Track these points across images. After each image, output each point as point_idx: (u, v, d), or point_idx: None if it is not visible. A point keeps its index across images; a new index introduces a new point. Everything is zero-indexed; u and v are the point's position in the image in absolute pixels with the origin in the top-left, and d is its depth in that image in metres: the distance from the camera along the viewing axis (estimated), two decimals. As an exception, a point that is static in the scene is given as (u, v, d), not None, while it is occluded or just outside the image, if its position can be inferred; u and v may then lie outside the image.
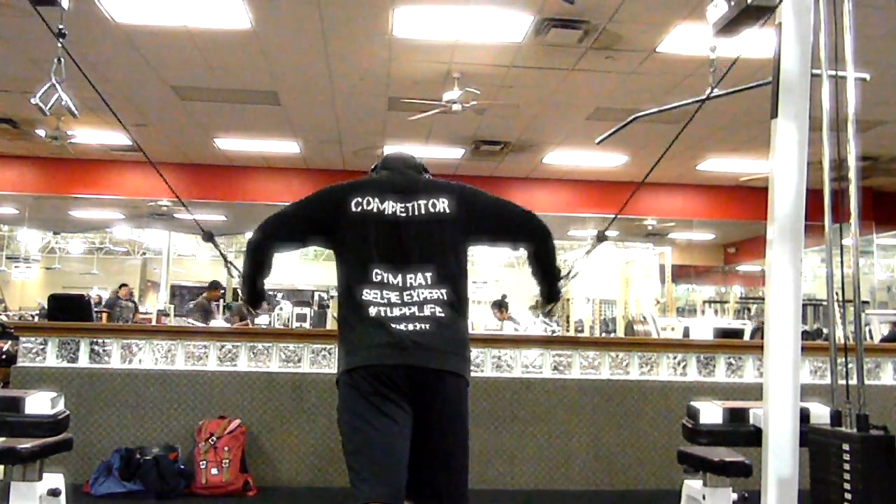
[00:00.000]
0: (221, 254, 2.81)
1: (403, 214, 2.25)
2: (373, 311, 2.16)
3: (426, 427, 2.13)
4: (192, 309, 10.13)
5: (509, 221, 2.43)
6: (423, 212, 2.26)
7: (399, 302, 2.17)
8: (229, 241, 17.83)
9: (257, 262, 2.43)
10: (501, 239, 2.54)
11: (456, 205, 2.28)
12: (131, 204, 12.45)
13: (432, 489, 2.17)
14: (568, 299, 18.09)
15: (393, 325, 2.13)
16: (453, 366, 2.16)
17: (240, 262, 2.56)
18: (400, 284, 2.20)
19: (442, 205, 2.27)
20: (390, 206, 2.25)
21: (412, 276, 2.20)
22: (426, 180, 2.40)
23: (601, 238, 2.65)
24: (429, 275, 2.21)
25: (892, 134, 8.11)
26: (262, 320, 11.65)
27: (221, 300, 10.97)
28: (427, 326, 2.14)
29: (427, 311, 2.17)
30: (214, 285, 10.24)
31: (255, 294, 2.51)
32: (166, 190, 10.97)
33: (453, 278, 2.25)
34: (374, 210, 2.24)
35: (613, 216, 3.06)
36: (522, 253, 2.56)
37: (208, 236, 2.70)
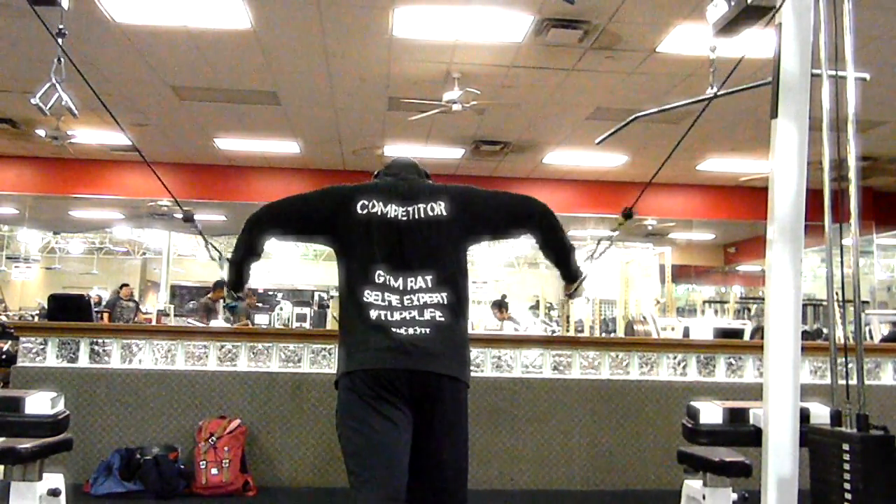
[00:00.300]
0: (202, 235, 2.77)
1: (405, 218, 2.27)
2: (374, 313, 2.17)
3: (426, 431, 2.14)
4: (197, 308, 10.18)
5: (507, 211, 2.43)
6: (422, 215, 2.27)
7: (400, 305, 2.18)
8: (229, 242, 17.80)
9: (251, 244, 2.41)
10: (503, 230, 2.51)
11: (452, 206, 2.30)
12: (131, 204, 12.44)
13: (432, 493, 2.18)
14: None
15: (393, 330, 2.15)
16: (453, 370, 2.17)
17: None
18: (401, 287, 2.21)
19: (439, 208, 2.29)
20: (393, 210, 2.27)
21: (413, 279, 2.22)
22: (426, 185, 2.41)
23: (627, 216, 2.51)
24: (429, 278, 2.22)
25: (892, 134, 8.10)
26: (261, 320, 11.65)
27: (222, 300, 10.99)
28: (427, 331, 2.15)
29: (427, 315, 2.18)
30: (220, 285, 10.26)
31: (240, 277, 2.49)
32: (167, 190, 11.01)
33: (453, 281, 2.26)
34: (379, 213, 2.26)
35: (613, 232, 2.92)
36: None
37: (189, 216, 2.67)
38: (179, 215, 2.77)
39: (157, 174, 2.75)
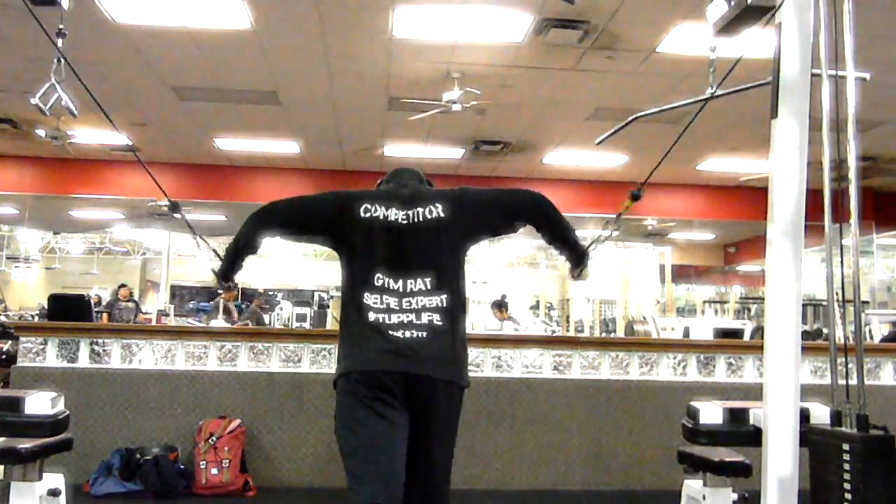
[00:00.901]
0: (190, 226, 2.78)
1: (405, 221, 2.31)
2: (372, 316, 2.21)
3: (421, 432, 2.17)
4: (211, 310, 10.36)
5: (501, 206, 2.46)
6: (421, 219, 2.31)
7: (398, 308, 2.22)
8: (228, 242, 17.81)
9: (252, 238, 2.43)
10: (501, 226, 2.50)
11: (450, 209, 2.33)
12: (131, 204, 12.45)
13: (420, 491, 2.20)
14: (568, 299, 18.14)
15: (391, 332, 2.18)
16: (448, 374, 2.20)
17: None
18: (400, 290, 2.24)
19: (437, 210, 2.32)
20: (394, 214, 2.31)
21: (412, 281, 2.25)
22: (426, 189, 2.46)
23: (636, 197, 2.46)
24: (428, 280, 2.26)
25: (892, 134, 8.10)
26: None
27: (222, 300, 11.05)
28: (424, 335, 2.19)
29: (425, 318, 2.21)
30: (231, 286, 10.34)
31: (232, 266, 2.52)
32: (167, 190, 11.03)
33: (453, 283, 2.29)
34: (381, 217, 2.30)
35: (619, 215, 2.92)
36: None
37: (174, 207, 2.68)
38: (179, 215, 2.78)
39: (150, 171, 2.75)
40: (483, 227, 2.44)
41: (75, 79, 2.39)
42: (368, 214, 2.31)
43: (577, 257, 2.53)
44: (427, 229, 2.30)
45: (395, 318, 2.20)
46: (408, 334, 2.17)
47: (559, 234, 2.49)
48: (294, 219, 2.44)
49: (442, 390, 2.18)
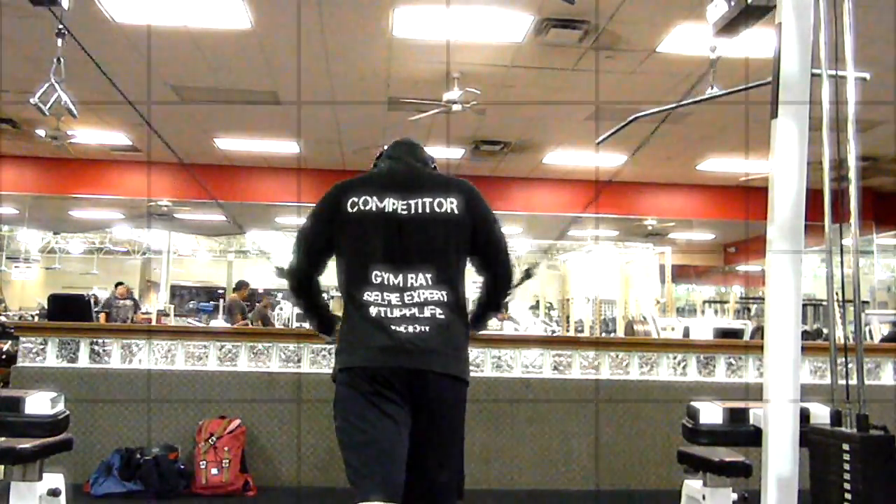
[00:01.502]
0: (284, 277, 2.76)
1: (405, 212, 2.21)
2: (373, 311, 2.15)
3: (423, 428, 2.14)
4: (229, 308, 10.44)
5: (494, 250, 2.35)
6: (426, 210, 2.21)
7: (399, 303, 2.15)
8: (229, 242, 17.86)
9: (306, 296, 2.41)
10: (479, 259, 2.36)
11: (465, 207, 2.23)
12: (131, 204, 12.44)
13: (425, 489, 2.17)
14: (568, 299, 18.12)
15: (393, 327, 2.12)
16: (452, 368, 2.16)
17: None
18: (400, 285, 2.17)
19: (450, 205, 2.22)
20: (391, 204, 2.21)
21: (413, 275, 2.18)
22: (431, 175, 2.36)
23: (528, 275, 2.57)
24: (430, 275, 2.18)
25: (892, 134, 8.10)
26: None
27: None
28: (427, 329, 2.13)
29: (427, 312, 2.15)
30: (241, 285, 10.42)
31: (322, 320, 2.47)
32: (166, 190, 11.06)
33: (455, 279, 2.23)
34: (373, 209, 2.21)
35: (578, 215, 3.05)
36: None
37: (281, 272, 2.61)
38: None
39: (203, 182, 2.75)
40: (478, 245, 2.30)
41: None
42: (357, 209, 2.21)
43: (479, 323, 2.48)
44: (433, 222, 2.20)
45: (397, 313, 2.14)
46: (411, 329, 2.12)
47: (490, 306, 2.46)
48: (314, 259, 2.34)
49: (446, 386, 2.14)
